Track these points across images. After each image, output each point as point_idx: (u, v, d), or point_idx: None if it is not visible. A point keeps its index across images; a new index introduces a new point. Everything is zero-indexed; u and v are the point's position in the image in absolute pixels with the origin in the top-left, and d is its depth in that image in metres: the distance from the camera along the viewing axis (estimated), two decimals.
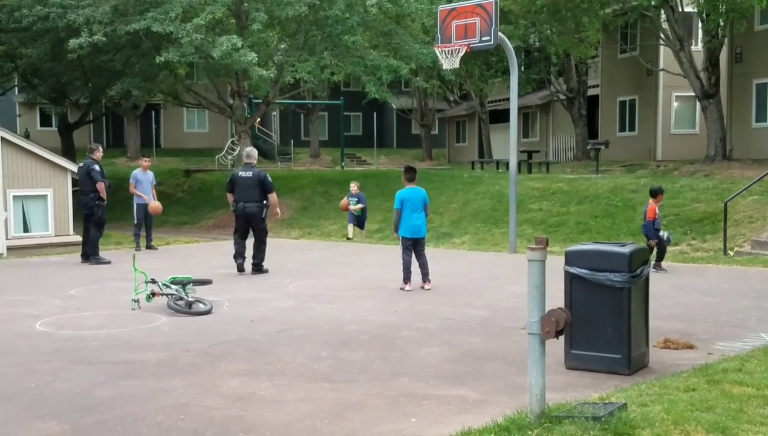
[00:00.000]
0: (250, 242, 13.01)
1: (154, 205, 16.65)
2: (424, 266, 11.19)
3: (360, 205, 18.79)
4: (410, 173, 11.35)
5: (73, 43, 21.08)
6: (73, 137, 33.60)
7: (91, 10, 21.51)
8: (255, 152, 13.35)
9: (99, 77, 28.31)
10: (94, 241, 14.71)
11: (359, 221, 18.93)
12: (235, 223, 13.25)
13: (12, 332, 8.37)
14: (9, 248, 16.61)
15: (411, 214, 11.05)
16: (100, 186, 14.55)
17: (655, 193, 12.81)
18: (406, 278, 11.04)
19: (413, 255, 11.14)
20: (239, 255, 13.00)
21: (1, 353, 7.34)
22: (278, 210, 13.44)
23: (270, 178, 12.99)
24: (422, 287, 11.07)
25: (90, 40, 20.98)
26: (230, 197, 13.12)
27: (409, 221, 11.05)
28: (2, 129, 17.37)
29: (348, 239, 18.77)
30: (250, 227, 13.07)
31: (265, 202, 12.93)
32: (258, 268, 12.96)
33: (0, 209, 16.63)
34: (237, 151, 30.75)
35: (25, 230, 17.91)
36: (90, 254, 14.64)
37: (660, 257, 12.59)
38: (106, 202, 14.72)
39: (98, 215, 14.65)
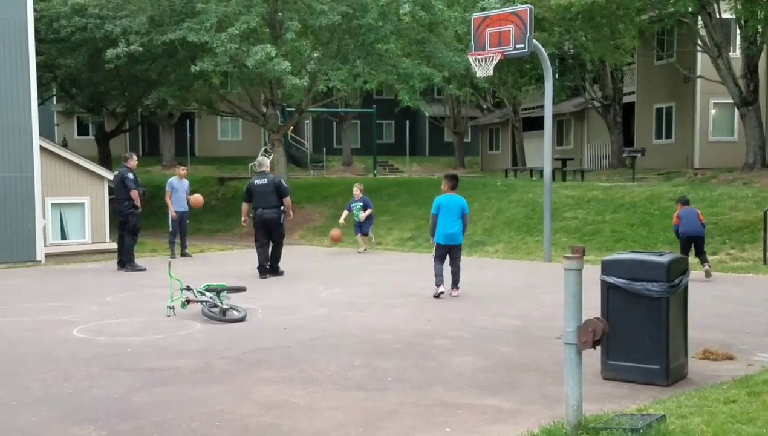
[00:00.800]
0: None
1: (196, 197, 16.88)
2: (456, 273, 11.20)
3: (368, 211, 17.73)
4: (453, 181, 11.36)
5: (110, 53, 21.35)
6: (109, 146, 34.02)
7: (128, 20, 21.78)
8: (266, 161, 13.97)
9: (135, 87, 28.64)
10: (129, 248, 14.87)
11: (362, 226, 17.88)
12: (255, 231, 13.48)
13: (51, 338, 8.48)
14: (47, 255, 16.84)
15: (447, 222, 11.03)
16: (134, 194, 14.74)
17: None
18: (439, 283, 11.03)
19: (447, 261, 11.13)
20: (263, 266, 13.33)
21: (41, 359, 7.44)
22: (291, 212, 13.75)
23: (285, 183, 13.27)
24: (450, 294, 11.09)
25: (127, 50, 21.23)
26: (245, 207, 13.65)
27: (444, 228, 11.04)
28: (41, 138, 17.63)
29: (361, 252, 17.62)
30: (270, 233, 13.26)
31: (282, 207, 13.23)
32: (275, 270, 13.17)
33: (39, 217, 16.87)
34: (270, 159, 30.93)
35: (63, 237, 18.15)
36: (126, 261, 14.80)
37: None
38: (140, 209, 14.88)
39: (132, 223, 14.83)
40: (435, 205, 11.12)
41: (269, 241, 13.44)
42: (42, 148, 17.47)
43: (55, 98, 37.29)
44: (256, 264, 13.48)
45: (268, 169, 13.68)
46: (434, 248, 11.23)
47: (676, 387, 6.28)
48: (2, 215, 16.45)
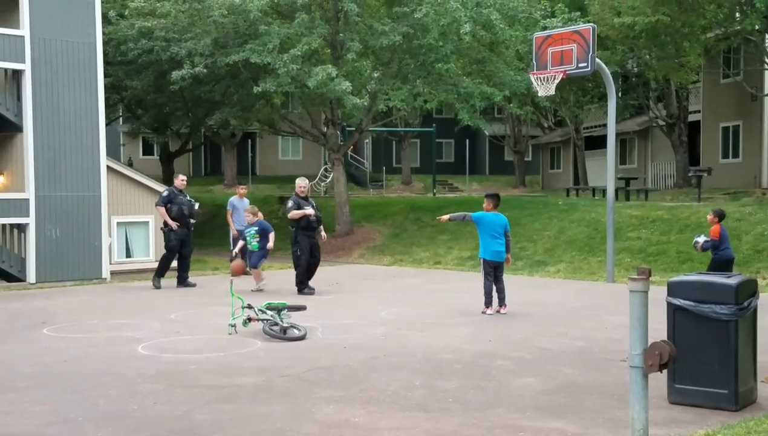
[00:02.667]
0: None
1: (237, 264, 13.56)
2: (501, 291, 11.38)
3: (269, 238, 14.21)
4: (495, 200, 11.52)
5: (175, 75, 21.84)
6: (173, 165, 34.70)
7: (193, 43, 22.26)
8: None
9: (199, 107, 29.21)
10: (160, 262, 15.22)
11: (251, 257, 14.31)
12: (305, 250, 13.83)
13: (116, 354, 8.63)
14: (112, 273, 17.21)
15: (492, 240, 11.21)
16: (159, 211, 15.06)
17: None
18: (488, 303, 11.28)
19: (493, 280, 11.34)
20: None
21: (107, 375, 7.57)
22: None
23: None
24: (498, 311, 11.25)
25: (191, 71, 21.70)
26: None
27: (491, 245, 11.23)
28: (108, 158, 18.10)
29: (255, 290, 13.83)
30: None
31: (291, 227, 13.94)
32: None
33: (105, 235, 17.28)
34: (330, 179, 31.16)
35: (128, 255, 18.54)
36: (180, 279, 15.14)
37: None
38: (168, 227, 14.97)
39: (166, 241, 15.18)
40: (478, 215, 11.31)
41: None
42: (108, 167, 17.92)
43: (121, 119, 38.25)
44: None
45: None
46: (482, 264, 11.43)
47: (745, 412, 6.10)
48: (71, 233, 16.91)
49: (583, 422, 5.91)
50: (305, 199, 13.92)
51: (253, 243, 14.22)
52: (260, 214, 14.84)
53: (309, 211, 13.62)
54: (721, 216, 12.19)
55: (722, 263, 11.80)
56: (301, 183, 14.07)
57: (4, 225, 16.68)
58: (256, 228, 14.26)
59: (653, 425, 5.23)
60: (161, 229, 15.42)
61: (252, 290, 13.70)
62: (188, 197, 15.40)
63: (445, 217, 11.80)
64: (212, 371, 7.73)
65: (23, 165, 16.68)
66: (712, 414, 6.06)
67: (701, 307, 6.17)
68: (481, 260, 11.41)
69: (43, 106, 16.67)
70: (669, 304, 6.35)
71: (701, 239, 12.12)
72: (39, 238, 16.62)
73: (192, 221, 15.27)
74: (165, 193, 15.26)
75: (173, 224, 14.86)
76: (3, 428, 5.91)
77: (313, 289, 13.81)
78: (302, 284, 13.76)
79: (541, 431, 5.70)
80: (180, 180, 15.54)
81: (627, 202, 23.63)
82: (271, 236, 14.25)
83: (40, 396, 6.82)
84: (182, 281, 15.15)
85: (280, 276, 16.50)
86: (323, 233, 14.31)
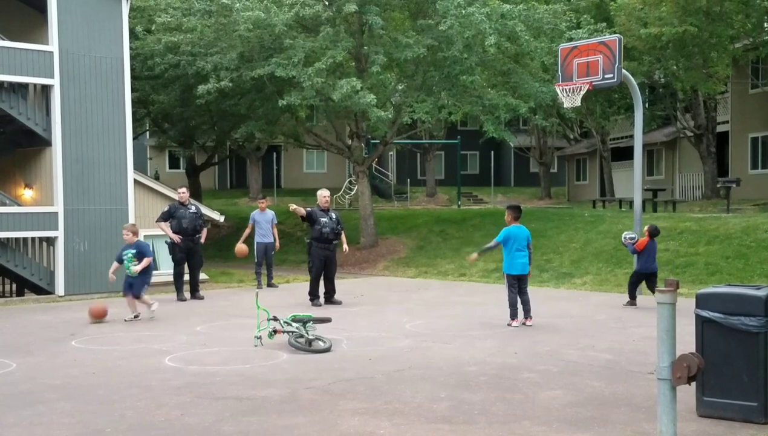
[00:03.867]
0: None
1: (240, 248, 15.24)
2: (526, 303, 11.34)
3: (144, 262, 12.38)
4: (517, 212, 11.52)
5: (201, 89, 22.02)
6: (199, 179, 34.98)
7: (218, 57, 22.45)
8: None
9: (224, 121, 29.41)
10: (174, 278, 15.46)
11: (133, 285, 12.49)
12: (320, 264, 13.95)
13: (144, 366, 8.69)
14: None
15: (516, 253, 11.22)
16: (159, 226, 15.40)
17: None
18: (513, 315, 11.25)
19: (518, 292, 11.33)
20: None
21: (135, 387, 7.63)
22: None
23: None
24: (524, 323, 11.22)
25: (217, 85, 21.86)
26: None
27: (515, 258, 11.23)
28: (136, 172, 18.26)
29: (129, 320, 12.24)
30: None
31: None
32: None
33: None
34: (354, 191, 31.21)
35: (155, 268, 18.63)
36: (190, 292, 15.41)
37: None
38: (172, 241, 15.14)
39: (171, 255, 15.45)
40: (503, 235, 11.26)
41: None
42: (135, 181, 18.09)
43: (148, 133, 38.60)
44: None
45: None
46: (505, 278, 11.44)
47: None
48: (99, 247, 17.07)
49: (611, 435, 5.85)
50: (325, 211, 13.98)
51: (131, 268, 12.38)
52: (141, 234, 13.53)
53: (300, 210, 13.73)
54: (653, 233, 13.39)
55: (642, 274, 13.48)
56: (324, 193, 14.16)
57: (33, 238, 16.88)
58: (134, 251, 12.47)
59: None
60: (165, 242, 15.82)
61: (126, 320, 12.17)
62: (193, 210, 15.47)
63: (474, 256, 11.91)
64: (238, 383, 7.76)
65: (52, 179, 16.89)
66: (742, 427, 5.98)
67: (730, 319, 6.11)
68: (505, 275, 11.41)
69: (71, 120, 16.88)
70: (697, 316, 6.28)
71: (630, 235, 13.51)
72: (68, 251, 16.81)
73: (198, 234, 15.35)
74: (165, 209, 15.59)
75: (176, 238, 15.05)
76: None
77: (340, 301, 13.88)
78: (312, 295, 13.94)
79: None
80: (180, 193, 15.65)
81: (654, 214, 23.43)
82: (146, 260, 12.38)
83: (69, 408, 6.88)
84: (192, 294, 15.33)
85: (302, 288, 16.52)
86: (345, 246, 14.36)
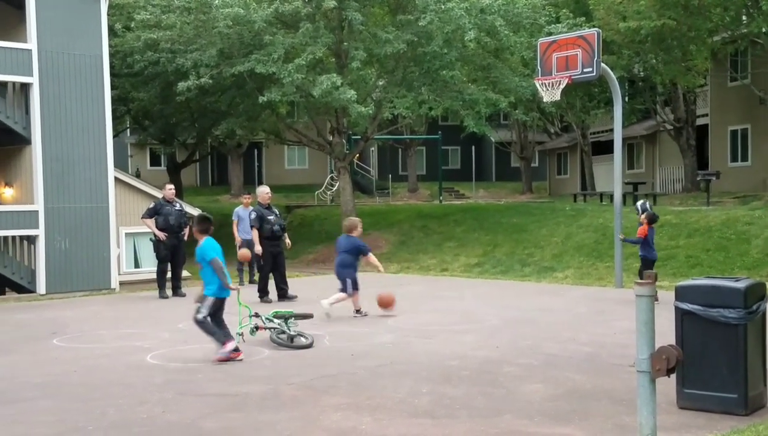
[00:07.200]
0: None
1: (243, 253, 13.78)
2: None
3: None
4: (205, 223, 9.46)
5: (181, 86, 21.91)
6: (180, 176, 34.82)
7: (198, 54, 22.34)
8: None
9: (205, 118, 29.29)
10: (157, 275, 15.34)
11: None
12: (268, 258, 13.89)
13: (126, 363, 8.66)
14: (121, 283, 17.26)
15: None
16: (145, 223, 15.25)
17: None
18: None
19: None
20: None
21: (116, 385, 7.60)
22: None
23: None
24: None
25: (197, 82, 21.76)
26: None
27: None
28: (115, 169, 18.15)
29: None
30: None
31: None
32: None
33: (113, 246, 17.33)
34: (336, 187, 31.17)
35: (136, 265, 18.59)
36: (173, 289, 15.30)
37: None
38: (157, 238, 15.03)
39: (155, 252, 15.29)
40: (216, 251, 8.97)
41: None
42: (116, 178, 17.99)
43: (128, 130, 38.36)
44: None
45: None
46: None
47: (754, 417, 6.07)
48: (79, 245, 16.97)
49: (592, 428, 5.89)
50: (268, 208, 14.02)
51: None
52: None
53: (247, 252, 13.50)
54: (652, 220, 13.12)
55: (650, 261, 13.12)
56: (265, 190, 14.33)
57: (14, 237, 16.75)
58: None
59: (662, 430, 5.21)
60: (150, 240, 15.62)
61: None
62: (178, 207, 15.39)
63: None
64: (220, 379, 7.75)
65: (32, 177, 16.76)
66: (722, 419, 6.04)
67: (710, 311, 6.15)
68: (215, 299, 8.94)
69: (50, 118, 16.75)
70: (677, 308, 6.33)
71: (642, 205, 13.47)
72: (48, 249, 16.69)
73: (182, 231, 15.21)
74: (151, 205, 15.48)
75: (161, 235, 14.96)
76: None
77: (294, 296, 13.97)
78: (262, 292, 13.87)
79: None
80: (167, 190, 15.59)
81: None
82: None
83: (50, 406, 6.85)
84: (175, 291, 15.24)
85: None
86: (288, 241, 14.51)
